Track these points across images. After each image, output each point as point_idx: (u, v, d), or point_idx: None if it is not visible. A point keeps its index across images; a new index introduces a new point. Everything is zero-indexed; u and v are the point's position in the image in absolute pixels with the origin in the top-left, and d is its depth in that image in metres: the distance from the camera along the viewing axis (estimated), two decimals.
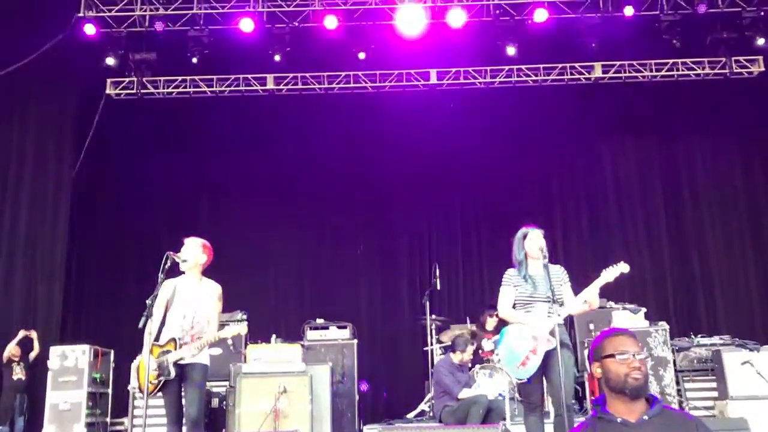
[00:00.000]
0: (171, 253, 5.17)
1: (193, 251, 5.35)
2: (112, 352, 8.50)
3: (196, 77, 10.66)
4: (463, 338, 7.47)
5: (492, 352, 7.77)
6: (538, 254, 5.04)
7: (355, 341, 8.18)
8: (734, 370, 7.24)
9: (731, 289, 10.59)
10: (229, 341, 7.83)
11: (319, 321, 8.42)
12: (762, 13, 9.42)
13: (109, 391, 8.39)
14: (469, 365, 7.63)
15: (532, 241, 5.11)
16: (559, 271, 5.17)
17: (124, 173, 10.81)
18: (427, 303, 8.85)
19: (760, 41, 9.67)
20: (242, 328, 5.37)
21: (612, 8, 9.54)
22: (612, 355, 2.55)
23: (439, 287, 9.21)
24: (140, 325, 4.86)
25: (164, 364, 5.10)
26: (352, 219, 11.09)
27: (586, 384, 7.86)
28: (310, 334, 8.26)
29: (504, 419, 6.67)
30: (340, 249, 10.98)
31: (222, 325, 5.40)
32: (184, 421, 5.15)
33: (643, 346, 2.62)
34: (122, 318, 9.70)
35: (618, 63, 10.60)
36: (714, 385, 7.61)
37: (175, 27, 9.66)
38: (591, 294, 4.97)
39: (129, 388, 7.31)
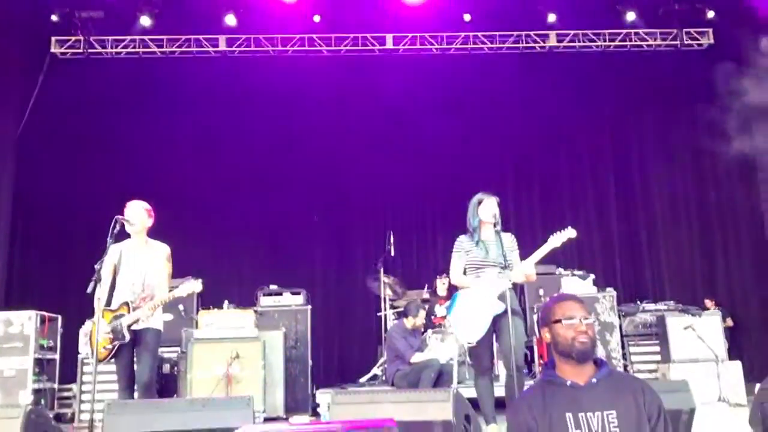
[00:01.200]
0: (120, 217, 5.11)
1: (139, 214, 5.30)
2: (60, 317, 8.33)
3: (146, 37, 10.34)
4: (415, 303, 7.55)
5: (444, 318, 7.88)
6: (491, 220, 5.11)
7: (309, 307, 8.18)
8: (677, 335, 7.49)
9: (676, 257, 10.92)
10: (181, 307, 7.82)
11: (273, 287, 8.40)
12: None
13: (57, 357, 8.24)
14: (422, 330, 7.73)
15: (487, 208, 5.16)
16: (509, 239, 5.24)
17: (71, 134, 10.47)
18: (381, 269, 8.89)
19: (710, 14, 9.88)
20: (196, 286, 5.28)
21: None
22: (560, 320, 2.61)
23: (393, 254, 9.25)
24: (89, 290, 4.80)
25: (118, 328, 5.05)
26: (308, 185, 11.00)
27: (535, 348, 8.04)
28: (264, 300, 8.23)
29: (458, 382, 6.79)
30: (295, 215, 10.90)
31: (174, 288, 5.32)
32: (135, 386, 5.11)
33: (590, 311, 2.67)
34: (70, 283, 9.50)
35: (572, 32, 10.67)
36: (657, 349, 7.87)
37: None
38: (532, 262, 5.07)
39: (81, 355, 7.23)
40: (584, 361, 2.57)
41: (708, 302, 9.63)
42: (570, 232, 5.11)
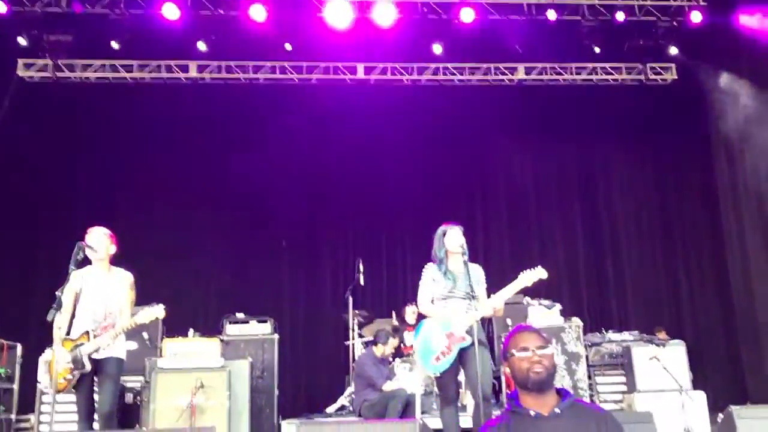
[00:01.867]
0: (83, 243, 5.00)
1: (102, 241, 5.20)
2: (19, 346, 8.11)
3: (116, 62, 10.29)
4: (385, 331, 7.53)
5: (413, 346, 7.86)
6: (458, 250, 5.11)
7: (276, 336, 8.09)
8: (642, 365, 7.54)
9: (641, 288, 11.05)
10: (145, 335, 7.67)
11: (239, 315, 8.29)
12: (675, 24, 9.88)
13: (15, 387, 8.00)
14: (390, 359, 7.69)
15: (452, 239, 5.17)
16: (477, 271, 5.25)
17: (36, 158, 10.31)
18: (350, 298, 8.84)
19: (673, 50, 10.17)
20: (158, 312, 5.16)
21: (536, 12, 9.78)
22: (515, 353, 2.64)
23: (362, 282, 9.20)
24: (49, 318, 4.66)
25: (78, 357, 4.92)
26: (275, 212, 10.93)
27: (503, 378, 8.02)
28: (230, 329, 8.11)
29: (423, 412, 6.75)
30: (262, 242, 10.83)
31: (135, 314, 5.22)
32: (95, 416, 4.99)
33: (550, 341, 2.70)
34: (30, 310, 9.28)
35: (540, 65, 10.88)
36: (623, 379, 7.91)
37: (95, 9, 9.31)
38: (501, 298, 5.07)
39: (41, 386, 7.02)
40: (541, 390, 2.59)
41: (659, 334, 9.45)
42: (541, 273, 5.10)
